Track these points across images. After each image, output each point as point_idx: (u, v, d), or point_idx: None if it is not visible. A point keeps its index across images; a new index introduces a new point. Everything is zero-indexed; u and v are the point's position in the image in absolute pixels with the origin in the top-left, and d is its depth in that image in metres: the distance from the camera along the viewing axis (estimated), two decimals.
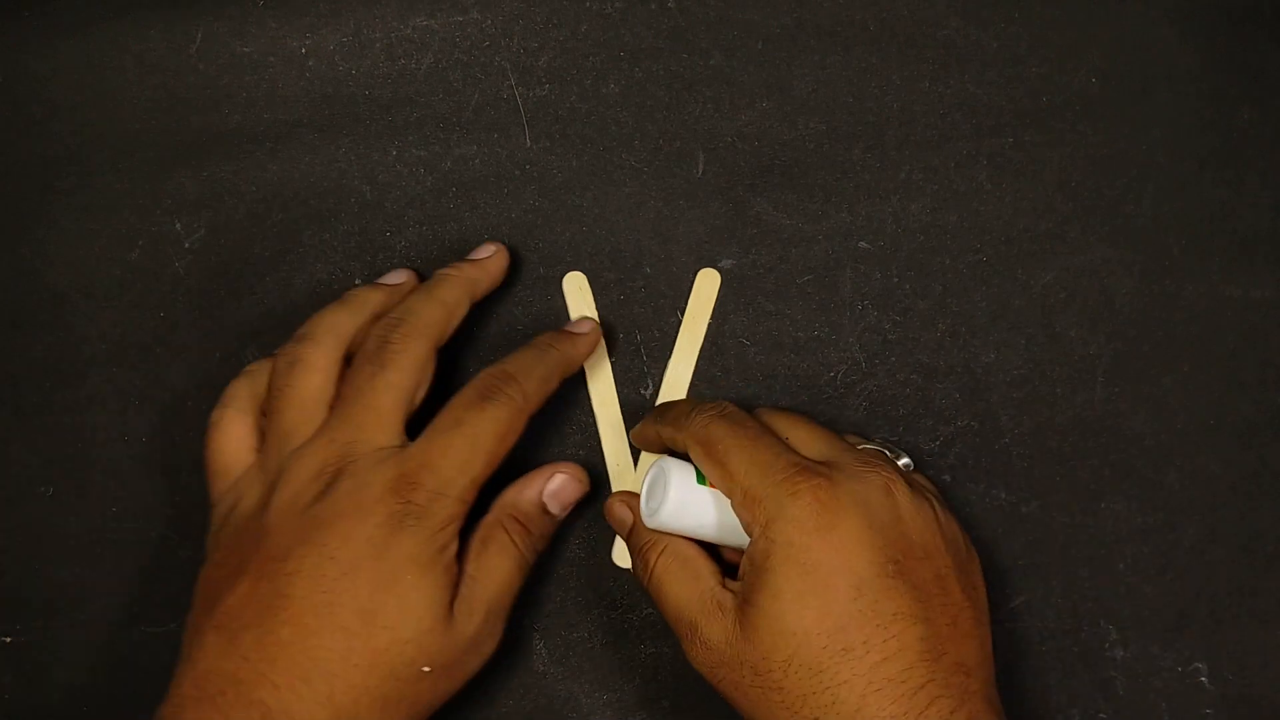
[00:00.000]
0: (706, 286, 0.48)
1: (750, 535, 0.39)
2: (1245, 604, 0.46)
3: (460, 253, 0.49)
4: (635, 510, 0.43)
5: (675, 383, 0.48)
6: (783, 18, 0.50)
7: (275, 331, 0.48)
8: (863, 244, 0.49)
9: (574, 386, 0.48)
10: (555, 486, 0.44)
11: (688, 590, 0.40)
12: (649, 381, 0.48)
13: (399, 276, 0.47)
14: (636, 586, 0.47)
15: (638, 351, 0.48)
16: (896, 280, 0.48)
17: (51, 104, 0.50)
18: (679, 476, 0.41)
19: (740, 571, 0.40)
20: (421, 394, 0.42)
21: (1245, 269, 0.48)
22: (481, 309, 0.48)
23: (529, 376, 0.42)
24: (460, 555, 0.41)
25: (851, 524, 0.38)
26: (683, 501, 0.41)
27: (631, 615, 0.47)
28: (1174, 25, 0.50)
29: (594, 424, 0.48)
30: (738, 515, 0.40)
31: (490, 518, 0.43)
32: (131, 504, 0.48)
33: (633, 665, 0.46)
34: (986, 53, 0.50)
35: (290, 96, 0.50)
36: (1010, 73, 0.49)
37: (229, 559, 0.40)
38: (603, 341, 0.48)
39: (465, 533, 0.42)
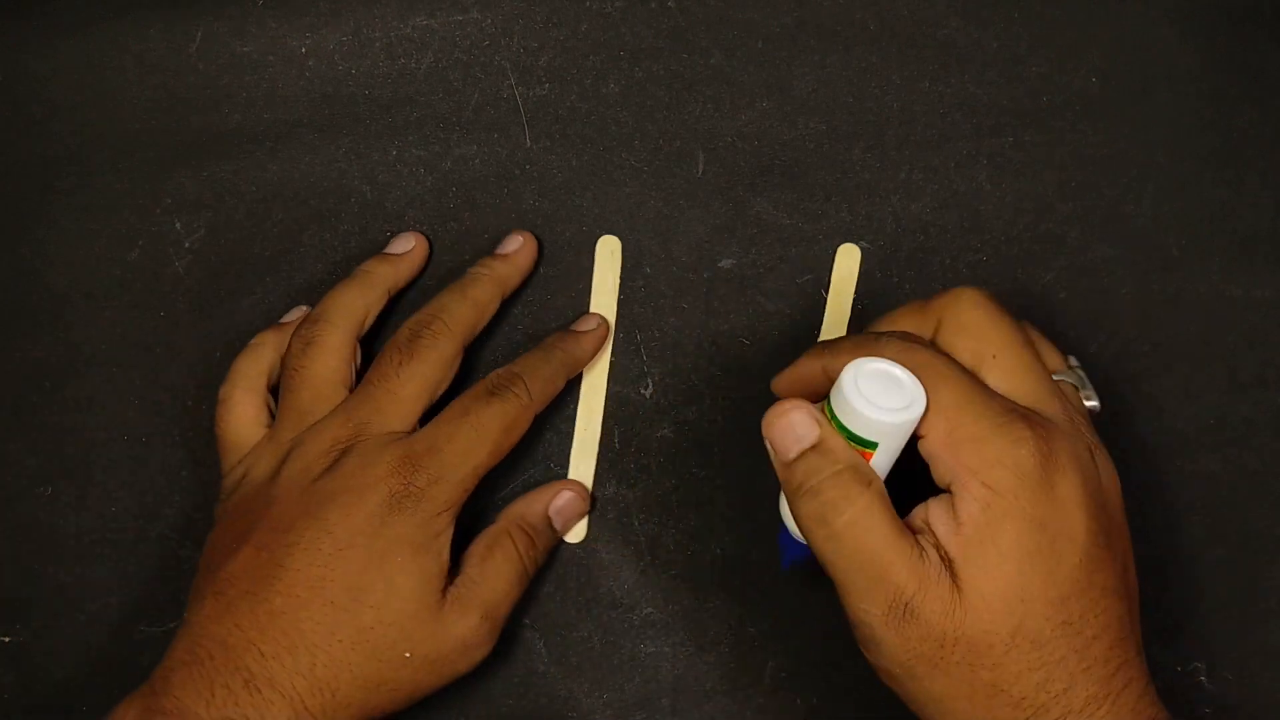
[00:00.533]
0: (848, 262, 0.48)
1: (944, 481, 0.34)
2: (1245, 604, 0.46)
3: (460, 252, 0.49)
4: (823, 423, 0.35)
5: None
6: (783, 18, 0.50)
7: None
8: (863, 244, 0.49)
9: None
10: (561, 503, 0.45)
11: (895, 547, 0.34)
12: (649, 381, 0.48)
13: (406, 243, 0.47)
14: (637, 586, 0.47)
15: (638, 351, 0.48)
16: (896, 280, 0.48)
17: (51, 104, 0.50)
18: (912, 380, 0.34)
19: (923, 523, 0.34)
20: (443, 388, 0.43)
21: (1245, 269, 0.48)
22: None
23: (535, 376, 0.43)
24: (460, 553, 0.42)
25: (1072, 483, 0.34)
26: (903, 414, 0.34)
27: (631, 615, 0.47)
28: (1174, 25, 0.50)
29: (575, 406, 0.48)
30: (933, 453, 0.34)
31: (498, 526, 0.43)
32: (131, 504, 0.48)
33: (633, 665, 0.46)
34: (986, 53, 0.50)
35: (290, 96, 0.50)
36: (1010, 73, 0.49)
37: (235, 525, 0.41)
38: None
39: (468, 539, 0.42)
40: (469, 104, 0.50)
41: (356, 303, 0.45)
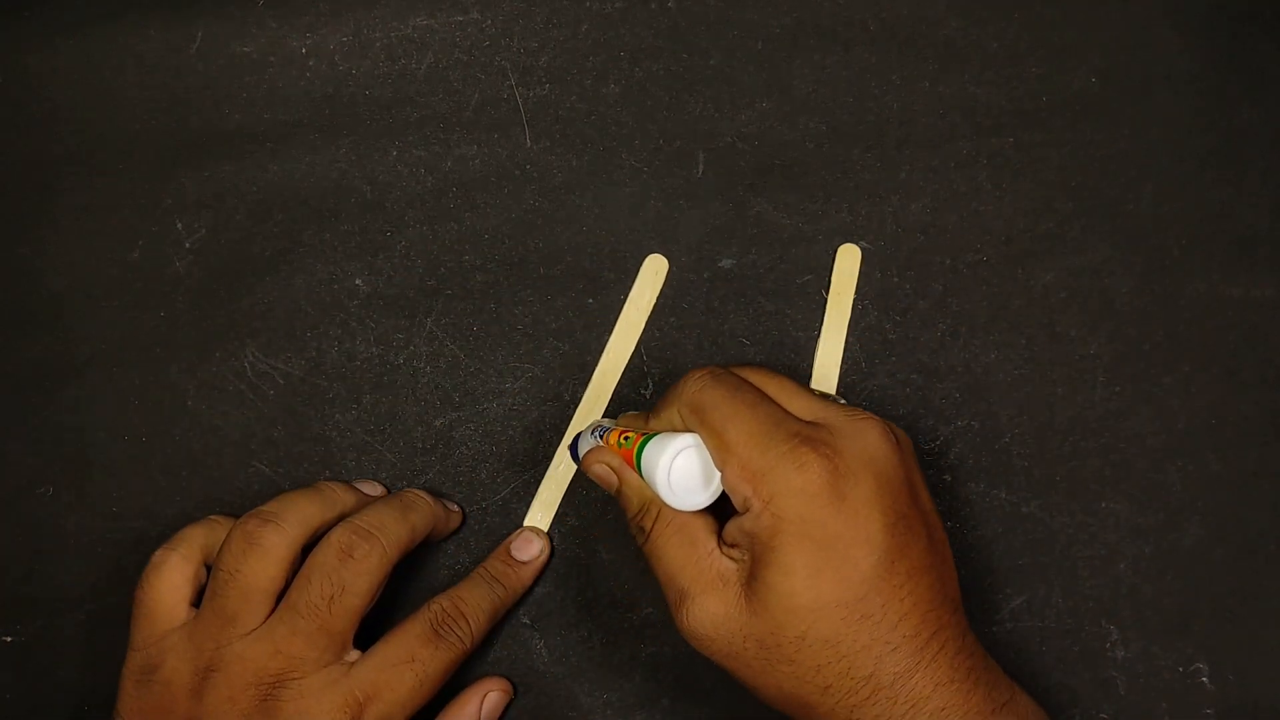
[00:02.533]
0: (848, 262, 0.48)
1: (747, 508, 0.38)
2: (1245, 604, 0.46)
3: (460, 252, 0.49)
4: (618, 470, 0.41)
5: (827, 361, 0.48)
6: (783, 18, 0.50)
7: (275, 331, 0.48)
8: (863, 244, 0.49)
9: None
10: (490, 707, 0.45)
11: (683, 559, 0.39)
12: (649, 381, 0.48)
13: (374, 490, 0.47)
14: (637, 586, 0.47)
15: (638, 351, 0.48)
16: (896, 280, 0.48)
17: (51, 104, 0.50)
18: (675, 443, 0.39)
19: (731, 539, 0.38)
20: (371, 606, 0.42)
21: (1245, 269, 0.48)
22: (482, 310, 0.49)
23: (479, 614, 0.43)
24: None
25: (864, 488, 0.37)
26: (680, 469, 0.39)
27: (631, 615, 0.47)
28: (1174, 25, 0.50)
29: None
30: (732, 487, 0.38)
31: None
32: (131, 504, 0.48)
33: (633, 665, 0.46)
34: (986, 53, 0.50)
35: (290, 97, 0.50)
36: (1010, 73, 0.49)
37: None
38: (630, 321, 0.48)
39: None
40: (469, 104, 0.50)
41: (312, 514, 0.42)
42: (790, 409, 0.40)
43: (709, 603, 0.38)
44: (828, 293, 0.48)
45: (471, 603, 0.43)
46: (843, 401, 0.42)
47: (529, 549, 0.46)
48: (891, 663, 0.36)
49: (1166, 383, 0.48)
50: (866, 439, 0.38)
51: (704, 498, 0.39)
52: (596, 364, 0.48)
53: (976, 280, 0.48)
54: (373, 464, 0.48)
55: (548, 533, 0.47)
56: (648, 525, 0.40)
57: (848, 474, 0.37)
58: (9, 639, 0.47)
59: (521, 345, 0.48)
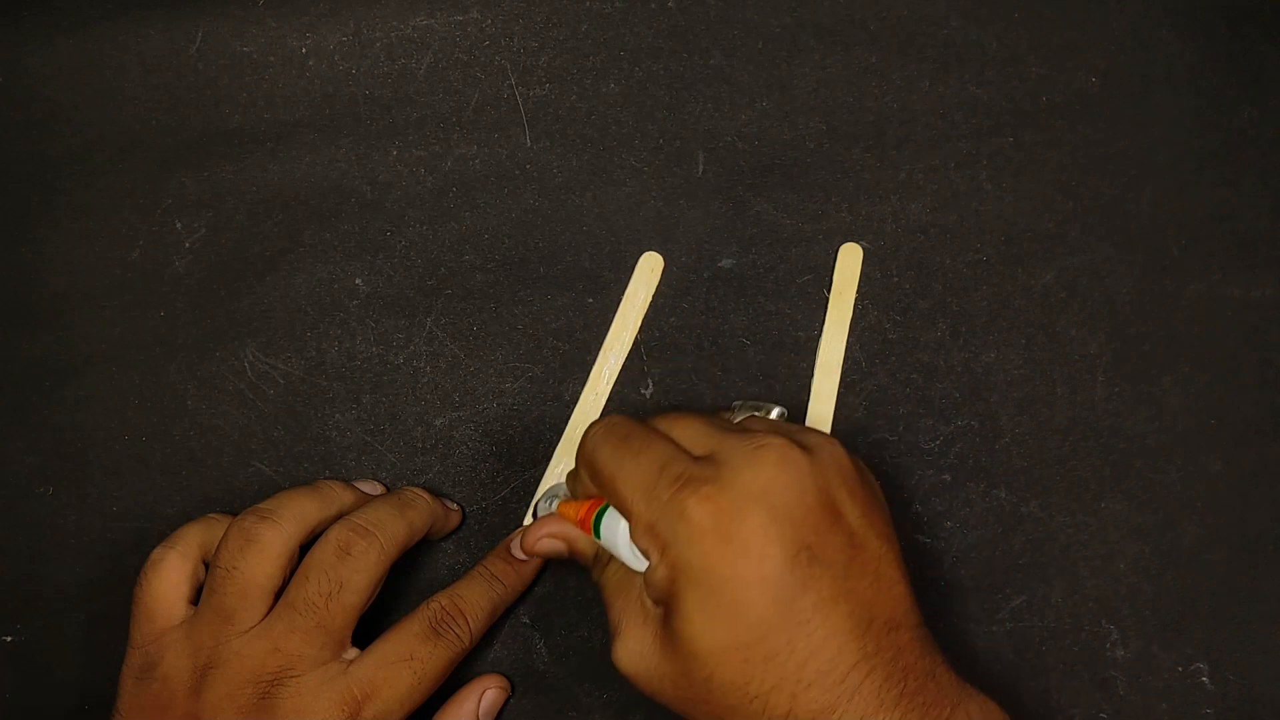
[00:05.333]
0: (850, 261, 0.48)
1: (650, 560, 0.38)
2: (1245, 604, 0.46)
3: (460, 252, 0.49)
4: (562, 536, 0.42)
5: (829, 360, 0.48)
6: (783, 18, 0.50)
7: (275, 331, 0.48)
8: (863, 244, 0.49)
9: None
10: (488, 704, 0.45)
11: (620, 594, 0.40)
12: (649, 381, 0.48)
13: (375, 489, 0.47)
14: None
15: (638, 351, 0.48)
16: (896, 280, 0.48)
17: (51, 104, 0.50)
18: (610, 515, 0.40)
19: (649, 591, 0.38)
20: (370, 604, 0.42)
21: (1245, 269, 0.48)
22: (482, 309, 0.49)
23: (478, 612, 0.43)
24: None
25: (753, 523, 0.36)
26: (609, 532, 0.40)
27: None
28: (1174, 25, 0.50)
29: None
30: (637, 542, 0.38)
31: None
32: (131, 504, 0.48)
33: None
34: (986, 53, 0.50)
35: (290, 96, 0.50)
36: (1010, 73, 0.49)
37: None
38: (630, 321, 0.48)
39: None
40: (469, 104, 0.50)
41: (310, 512, 0.42)
42: (687, 445, 0.39)
43: (631, 640, 0.39)
44: (829, 292, 0.48)
45: (471, 601, 0.43)
46: (775, 412, 0.42)
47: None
48: (807, 700, 0.35)
49: (1166, 383, 0.48)
50: (759, 469, 0.37)
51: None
52: (594, 364, 0.48)
53: (976, 280, 0.48)
54: (373, 464, 0.48)
55: None
56: (599, 570, 0.41)
57: (733, 512, 0.36)
58: (9, 639, 0.47)
59: (521, 345, 0.48)
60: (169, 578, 0.42)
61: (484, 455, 0.48)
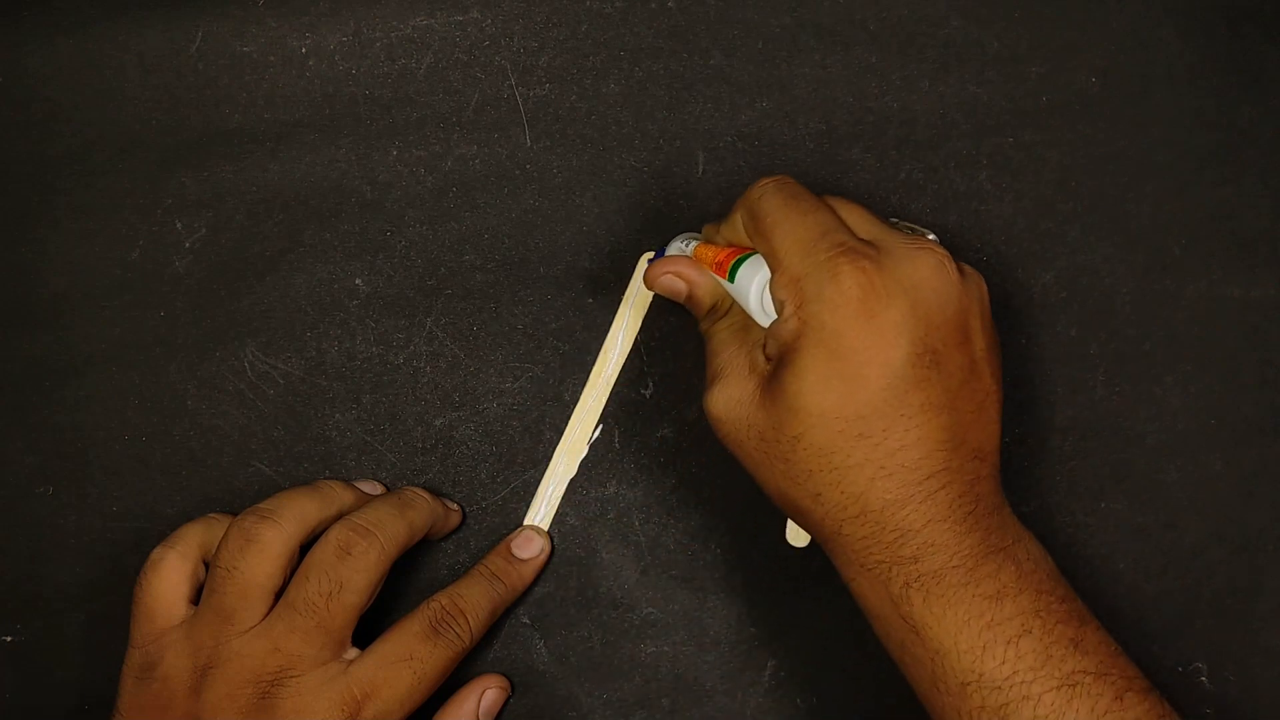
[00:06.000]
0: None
1: (780, 314, 0.38)
2: (1245, 604, 0.46)
3: (460, 252, 0.49)
4: (687, 277, 0.43)
5: None
6: (783, 17, 0.50)
7: (275, 331, 0.48)
8: None
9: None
10: (488, 704, 0.45)
11: (732, 344, 0.41)
12: (649, 381, 0.48)
13: (375, 489, 0.47)
14: (637, 586, 0.47)
15: (638, 351, 0.48)
16: None
17: (51, 104, 0.50)
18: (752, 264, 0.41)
19: (766, 343, 0.39)
20: (370, 604, 0.42)
21: (1245, 269, 0.48)
22: (482, 309, 0.49)
23: (478, 613, 0.43)
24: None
25: (895, 311, 0.37)
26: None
27: (631, 615, 0.47)
28: (1174, 25, 0.50)
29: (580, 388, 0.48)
30: (775, 294, 0.39)
31: None
32: (131, 504, 0.48)
33: (633, 665, 0.46)
34: (986, 53, 0.50)
35: (290, 96, 0.50)
36: (1010, 73, 0.49)
37: None
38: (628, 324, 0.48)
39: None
40: (469, 104, 0.50)
41: (310, 512, 0.42)
42: (853, 226, 0.40)
43: (730, 386, 0.40)
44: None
45: (471, 600, 0.43)
46: (931, 236, 0.42)
47: (530, 547, 0.46)
48: (883, 488, 0.37)
49: (1167, 382, 0.48)
50: (916, 266, 0.38)
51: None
52: (594, 364, 0.48)
53: None
54: (373, 464, 0.48)
55: (548, 532, 0.47)
56: (714, 320, 0.42)
57: (882, 293, 0.37)
58: (9, 639, 0.47)
59: (521, 345, 0.48)
60: (169, 577, 0.42)
61: (484, 455, 0.48)
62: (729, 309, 0.43)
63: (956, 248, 0.48)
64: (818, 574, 0.46)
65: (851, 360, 0.37)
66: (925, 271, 0.38)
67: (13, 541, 0.47)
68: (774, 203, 0.40)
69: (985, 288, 0.40)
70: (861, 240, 0.39)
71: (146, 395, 0.48)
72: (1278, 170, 0.49)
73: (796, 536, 0.46)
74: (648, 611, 0.47)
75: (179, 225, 0.49)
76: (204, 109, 0.50)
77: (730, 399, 0.39)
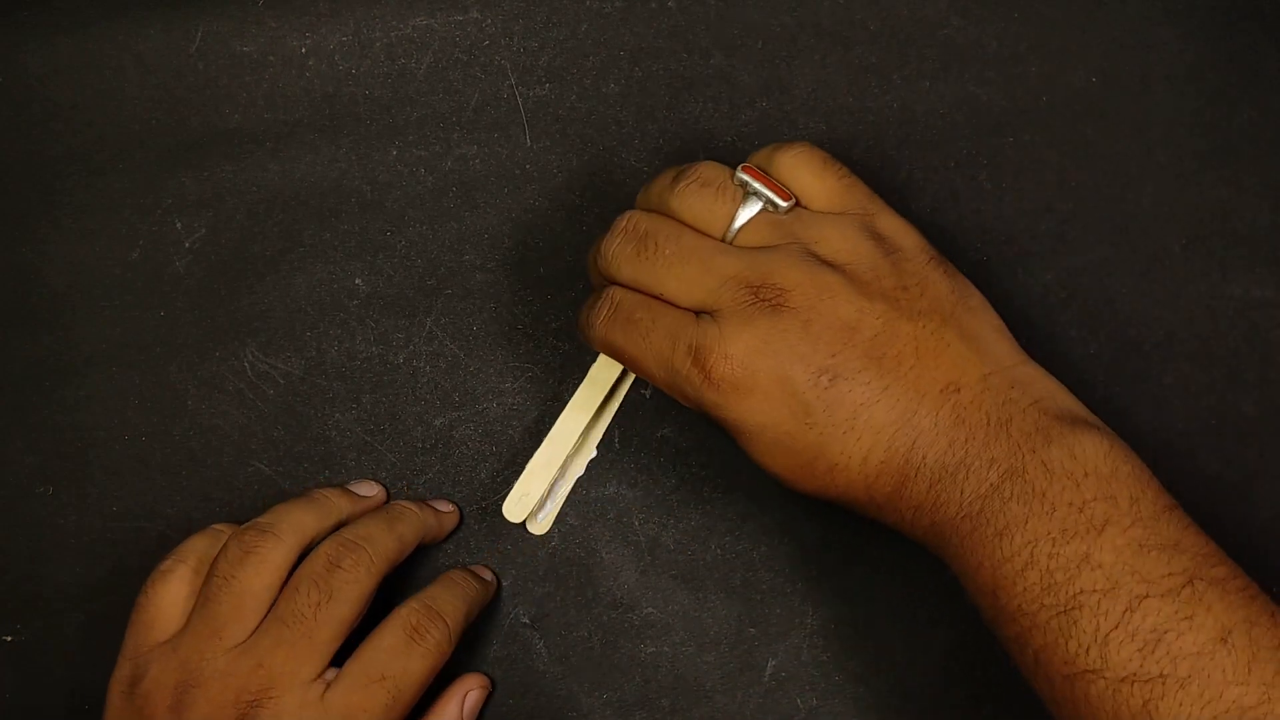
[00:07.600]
0: None
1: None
2: None
3: (460, 252, 0.49)
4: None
5: None
6: (783, 17, 0.50)
7: (275, 331, 0.48)
8: None
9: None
10: (470, 706, 0.45)
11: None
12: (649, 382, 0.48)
13: (370, 489, 0.46)
14: (637, 586, 0.47)
15: None
16: None
17: (51, 104, 0.50)
18: None
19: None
20: (358, 620, 0.42)
21: (1245, 269, 0.48)
22: (482, 309, 0.49)
23: (456, 615, 0.43)
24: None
25: (764, 372, 0.37)
26: None
27: (631, 615, 0.47)
28: (1174, 25, 0.49)
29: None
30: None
31: None
32: (131, 504, 0.48)
33: (633, 665, 0.46)
34: (986, 53, 0.50)
35: (290, 96, 0.50)
36: (1010, 73, 0.49)
37: None
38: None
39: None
40: (469, 104, 0.50)
41: (308, 524, 0.43)
42: (685, 295, 0.40)
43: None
44: None
45: (445, 601, 0.43)
46: (784, 206, 0.41)
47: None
48: (882, 487, 0.38)
49: (1167, 383, 0.48)
50: (756, 324, 0.38)
51: None
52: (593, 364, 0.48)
53: (976, 280, 0.48)
54: (373, 464, 0.48)
55: (548, 532, 0.47)
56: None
57: (744, 367, 0.38)
58: (9, 639, 0.47)
59: (521, 345, 0.48)
60: (177, 590, 0.42)
61: (484, 455, 0.48)
62: None
63: (956, 248, 0.48)
64: (818, 574, 0.46)
65: (768, 433, 0.38)
66: (765, 321, 0.38)
67: (13, 541, 0.47)
68: (619, 339, 0.40)
69: (852, 247, 0.39)
70: (700, 321, 0.38)
71: (146, 395, 0.48)
72: (1278, 170, 0.49)
73: (513, 511, 0.45)
74: (648, 611, 0.47)
75: (179, 225, 0.49)
76: (204, 109, 0.50)
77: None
